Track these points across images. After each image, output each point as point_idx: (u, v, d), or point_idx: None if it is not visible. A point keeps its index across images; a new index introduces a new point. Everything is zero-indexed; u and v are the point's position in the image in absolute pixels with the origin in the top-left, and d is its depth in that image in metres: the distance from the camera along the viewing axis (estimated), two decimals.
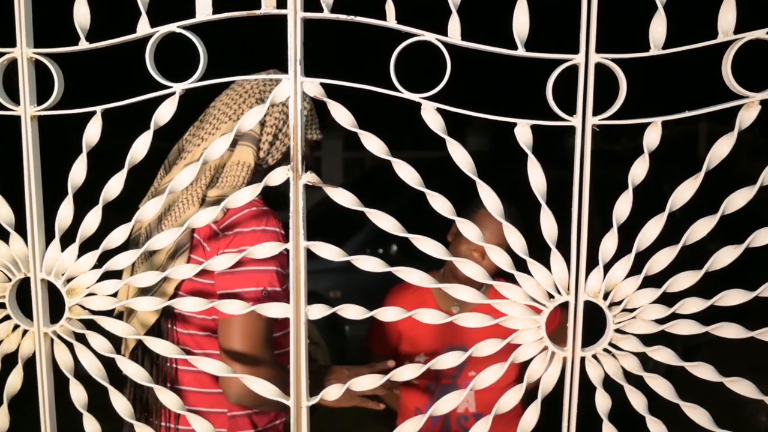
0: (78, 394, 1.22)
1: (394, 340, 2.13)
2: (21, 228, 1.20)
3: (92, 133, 1.15)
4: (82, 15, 1.12)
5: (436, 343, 2.04)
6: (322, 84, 1.12)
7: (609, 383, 1.16)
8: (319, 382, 1.57)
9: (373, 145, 1.11)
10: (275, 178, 1.13)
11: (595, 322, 1.20)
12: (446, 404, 1.20)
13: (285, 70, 1.10)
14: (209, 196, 1.49)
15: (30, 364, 1.24)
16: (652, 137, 1.09)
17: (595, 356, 1.16)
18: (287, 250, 1.15)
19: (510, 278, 1.16)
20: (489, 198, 1.13)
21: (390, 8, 1.09)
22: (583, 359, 1.16)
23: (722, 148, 1.08)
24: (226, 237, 1.45)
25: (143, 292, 1.50)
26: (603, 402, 1.16)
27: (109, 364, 1.22)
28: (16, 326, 1.23)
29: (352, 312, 1.16)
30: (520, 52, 1.08)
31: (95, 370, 1.21)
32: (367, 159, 11.90)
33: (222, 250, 1.44)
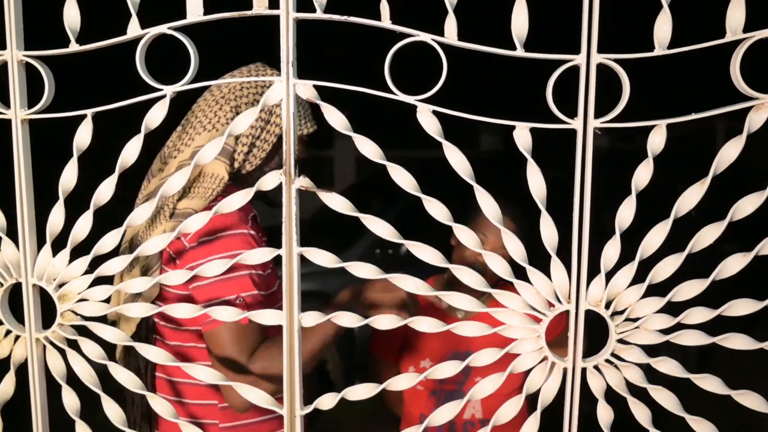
0: (70, 400, 1.21)
1: (398, 345, 2.09)
2: (12, 232, 1.18)
3: (83, 136, 1.13)
4: (72, 17, 1.10)
5: (441, 348, 2.00)
6: (315, 86, 1.09)
7: (611, 395, 1.13)
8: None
9: (368, 149, 1.09)
10: (267, 182, 1.10)
11: (600, 332, 1.16)
12: (445, 413, 1.17)
13: (271, 65, 1.07)
14: (179, 207, 1.45)
15: (25, 369, 1.23)
16: (657, 140, 1.05)
17: (596, 367, 1.12)
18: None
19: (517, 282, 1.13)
20: (486, 203, 1.10)
21: (384, 8, 1.05)
22: (584, 370, 1.12)
23: (730, 151, 1.04)
24: (193, 249, 1.42)
25: (132, 297, 1.48)
26: (605, 414, 1.12)
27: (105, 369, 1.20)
28: (8, 332, 1.22)
29: (347, 320, 1.13)
30: (519, 52, 1.04)
31: (87, 376, 1.19)
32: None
33: (193, 263, 1.41)
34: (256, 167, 1.55)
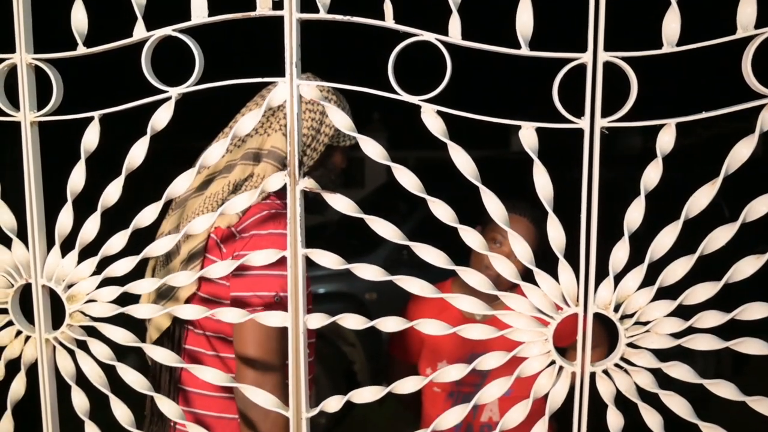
0: (79, 400, 1.22)
1: (417, 346, 2.09)
2: (22, 234, 1.20)
3: (90, 138, 1.14)
4: (79, 20, 1.11)
5: (458, 350, 1.99)
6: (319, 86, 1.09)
7: (622, 400, 1.10)
8: None
9: (371, 149, 1.08)
10: (272, 183, 1.10)
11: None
12: (453, 417, 1.16)
13: (277, 67, 1.07)
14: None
15: (35, 370, 1.24)
16: (666, 140, 1.03)
17: (606, 371, 1.10)
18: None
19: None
20: (492, 204, 1.08)
21: (388, 8, 1.05)
22: (593, 375, 1.10)
23: (742, 151, 1.01)
24: (243, 239, 1.43)
25: (160, 297, 1.50)
26: (615, 420, 1.10)
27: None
28: (19, 332, 1.23)
29: (352, 321, 1.12)
30: (524, 51, 1.02)
31: (96, 377, 1.20)
32: (411, 158, 11.86)
33: (238, 252, 1.43)
34: (305, 172, 1.56)
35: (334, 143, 1.60)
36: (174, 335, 1.56)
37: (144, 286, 1.18)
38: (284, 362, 1.42)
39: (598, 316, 1.09)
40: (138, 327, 1.28)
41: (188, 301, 1.49)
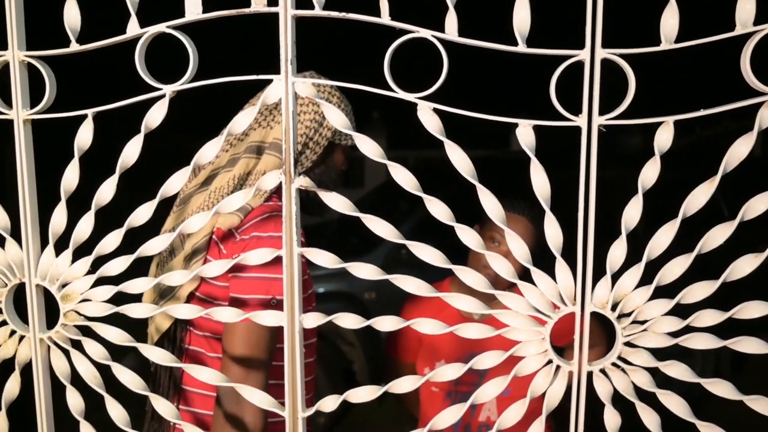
0: (74, 400, 1.21)
1: (414, 346, 2.08)
2: (15, 233, 1.19)
3: (84, 136, 1.13)
4: (72, 17, 1.10)
5: (456, 350, 1.98)
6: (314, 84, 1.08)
7: (619, 399, 1.10)
8: None
9: (367, 147, 1.07)
10: (267, 182, 1.09)
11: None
12: (448, 416, 1.15)
13: (271, 63, 1.06)
14: None
15: (30, 370, 1.23)
16: (664, 138, 1.02)
17: (603, 371, 1.09)
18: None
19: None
20: (489, 203, 1.07)
21: (384, 4, 1.04)
22: (590, 374, 1.09)
23: (740, 149, 1.00)
24: (243, 241, 1.42)
25: (162, 296, 1.50)
26: (612, 420, 1.09)
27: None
28: (13, 332, 1.22)
29: (348, 321, 1.11)
30: (521, 48, 1.01)
31: (90, 377, 1.19)
32: (411, 158, 11.86)
33: (239, 254, 1.42)
34: (307, 169, 1.55)
35: (336, 140, 1.59)
36: (174, 335, 1.55)
37: (138, 285, 1.17)
38: (270, 362, 1.42)
39: (596, 315, 1.09)
40: (135, 327, 1.27)
41: (189, 299, 1.48)
